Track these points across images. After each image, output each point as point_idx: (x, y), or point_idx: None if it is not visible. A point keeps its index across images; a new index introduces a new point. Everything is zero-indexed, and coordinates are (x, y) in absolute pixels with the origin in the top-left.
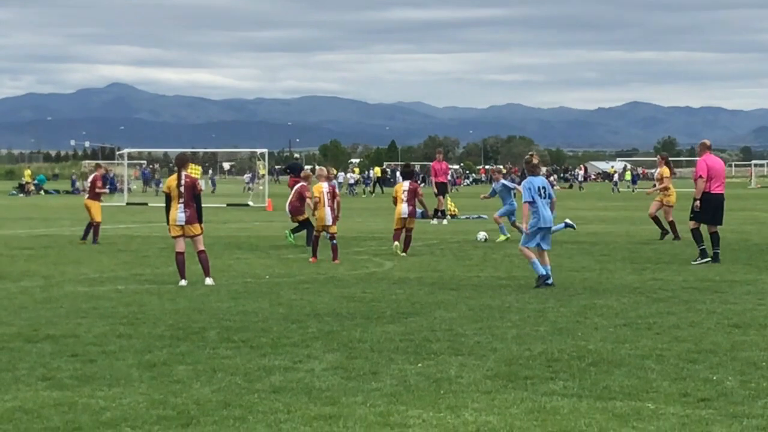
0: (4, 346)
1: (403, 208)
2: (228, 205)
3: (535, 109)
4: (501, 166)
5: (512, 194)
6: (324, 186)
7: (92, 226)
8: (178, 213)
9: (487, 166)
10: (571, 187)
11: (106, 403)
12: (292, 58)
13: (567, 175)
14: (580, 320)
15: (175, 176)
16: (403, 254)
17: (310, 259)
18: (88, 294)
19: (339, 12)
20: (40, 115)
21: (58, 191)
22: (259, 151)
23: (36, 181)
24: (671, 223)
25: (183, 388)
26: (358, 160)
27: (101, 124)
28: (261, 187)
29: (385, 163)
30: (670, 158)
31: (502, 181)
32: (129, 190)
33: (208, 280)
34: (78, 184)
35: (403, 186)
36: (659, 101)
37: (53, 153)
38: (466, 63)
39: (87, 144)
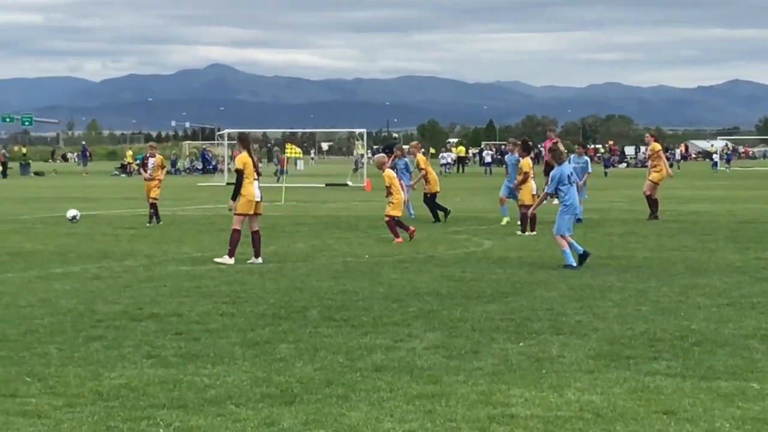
0: (110, 325)
1: (533, 185)
2: (327, 185)
3: (634, 88)
4: (514, 138)
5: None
6: (392, 173)
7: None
8: (256, 189)
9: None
10: (671, 166)
11: (211, 380)
12: (391, 38)
13: (667, 154)
14: (682, 300)
15: (246, 154)
16: (534, 233)
17: (397, 240)
18: (191, 273)
19: None
20: (141, 96)
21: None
22: (357, 131)
23: (137, 162)
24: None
25: (286, 366)
26: (455, 140)
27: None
28: (360, 167)
29: (483, 143)
30: None
31: (516, 154)
32: (229, 170)
33: (259, 260)
34: (179, 164)
35: (529, 162)
36: (761, 79)
37: (154, 134)
38: (565, 41)
39: (187, 125)
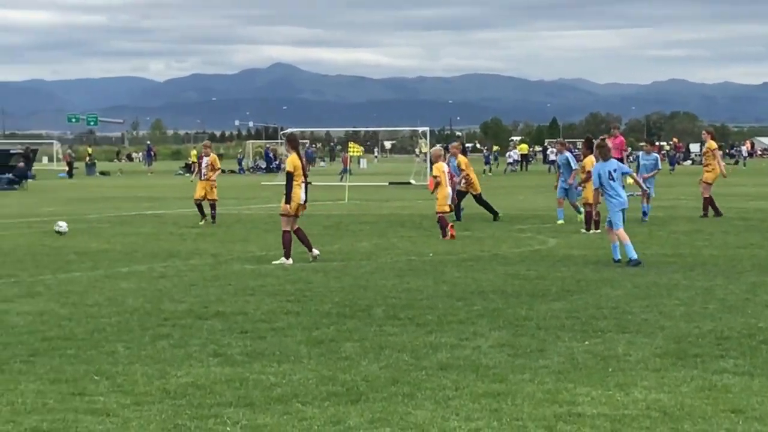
0: (176, 323)
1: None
2: (390, 183)
3: (698, 85)
4: (563, 139)
5: (571, 172)
6: (444, 166)
7: (213, 206)
8: (302, 192)
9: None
10: (736, 163)
11: (277, 379)
12: (453, 36)
13: (732, 150)
14: (749, 297)
15: (296, 156)
16: (599, 231)
17: (445, 237)
18: (256, 272)
19: None
20: (205, 95)
21: (223, 170)
22: (420, 129)
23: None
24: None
25: (351, 364)
26: (518, 138)
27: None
28: (423, 165)
29: (547, 141)
30: None
31: (566, 153)
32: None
33: (315, 251)
34: (244, 163)
35: (592, 160)
36: None
37: (218, 133)
38: (628, 38)
39: (251, 124)
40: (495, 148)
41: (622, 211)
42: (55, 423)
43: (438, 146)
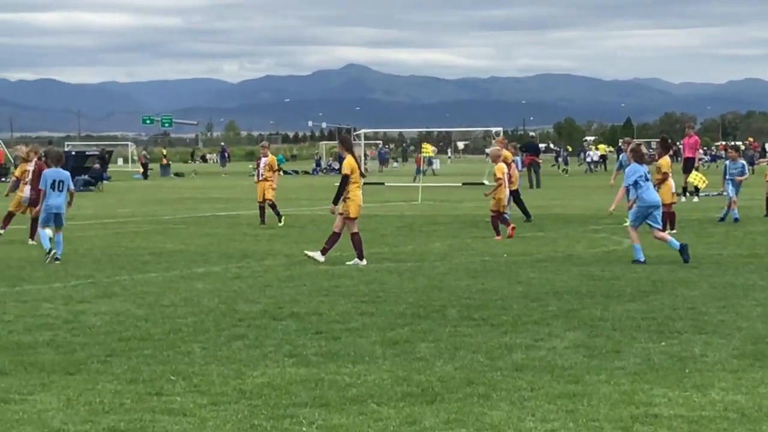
0: (251, 324)
1: (672, 183)
2: (463, 183)
3: None
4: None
5: None
6: (504, 167)
7: (272, 206)
8: (361, 194)
9: (723, 142)
10: None
11: (352, 379)
12: (526, 36)
13: None
14: None
15: (352, 158)
16: (675, 231)
17: (497, 238)
18: (329, 272)
19: None
20: (278, 96)
21: (297, 171)
22: (493, 129)
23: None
24: None
25: (426, 365)
26: (592, 138)
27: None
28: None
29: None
30: None
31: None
32: (366, 170)
33: (363, 262)
34: (322, 163)
35: (668, 160)
36: None
37: (291, 134)
38: (703, 37)
39: (324, 125)
40: (568, 148)
41: (645, 210)
42: (132, 423)
43: (496, 147)
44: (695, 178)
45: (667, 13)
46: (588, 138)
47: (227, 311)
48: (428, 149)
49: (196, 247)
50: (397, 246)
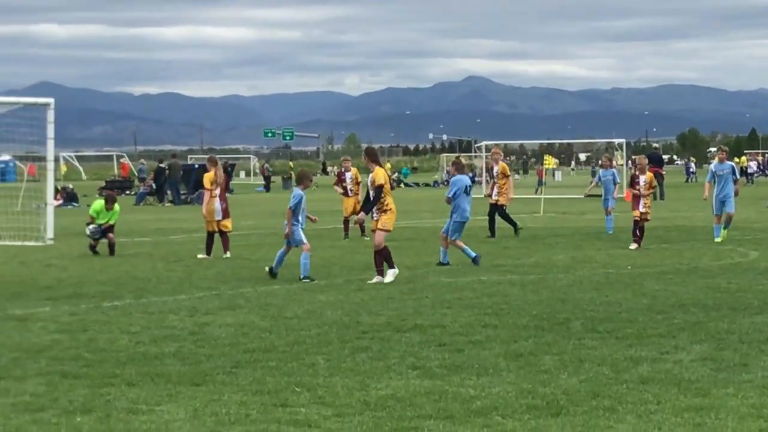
0: (375, 336)
1: None
2: (586, 195)
3: None
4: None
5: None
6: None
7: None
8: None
9: None
10: None
11: (476, 392)
12: (649, 47)
13: None
14: None
15: (382, 169)
16: None
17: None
18: (452, 285)
19: None
20: (398, 109)
21: (418, 184)
22: (616, 141)
23: (395, 175)
24: None
25: (550, 377)
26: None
27: (458, 117)
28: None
29: (746, 152)
30: None
31: (727, 162)
32: (487, 181)
33: (389, 278)
34: (436, 176)
35: None
36: None
37: (411, 146)
38: None
39: (444, 137)
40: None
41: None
42: None
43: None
44: None
45: None
46: (712, 149)
47: (350, 323)
48: (550, 161)
49: (318, 259)
50: (520, 258)
